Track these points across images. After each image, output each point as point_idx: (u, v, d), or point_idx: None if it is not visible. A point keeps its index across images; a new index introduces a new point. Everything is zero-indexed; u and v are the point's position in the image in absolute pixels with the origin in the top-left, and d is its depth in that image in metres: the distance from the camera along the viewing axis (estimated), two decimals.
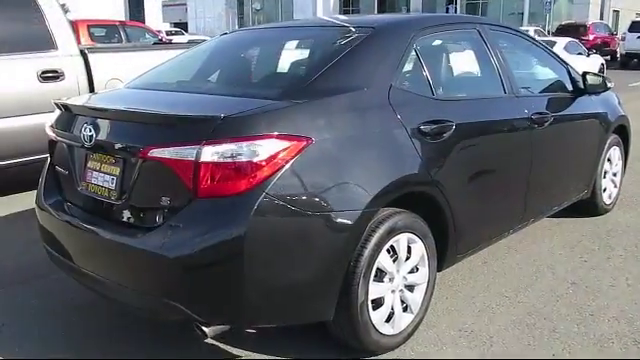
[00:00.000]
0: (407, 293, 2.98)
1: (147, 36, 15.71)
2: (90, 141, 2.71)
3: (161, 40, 16.24)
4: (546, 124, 3.85)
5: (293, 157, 2.41)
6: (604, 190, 4.97)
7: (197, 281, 2.39)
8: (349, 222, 2.55)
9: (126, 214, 2.63)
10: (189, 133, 2.39)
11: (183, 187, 2.39)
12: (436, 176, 2.97)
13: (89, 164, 2.83)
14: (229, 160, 2.33)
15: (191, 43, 6.92)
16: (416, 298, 3.03)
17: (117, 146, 2.63)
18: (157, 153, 2.44)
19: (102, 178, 2.75)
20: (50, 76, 5.40)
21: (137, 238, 2.51)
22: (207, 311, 2.43)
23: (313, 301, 2.56)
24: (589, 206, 4.88)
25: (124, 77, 5.79)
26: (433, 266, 3.11)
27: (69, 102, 3.04)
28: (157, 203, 2.48)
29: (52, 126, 3.09)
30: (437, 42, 3.44)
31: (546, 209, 4.21)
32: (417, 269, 3.01)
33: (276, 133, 2.41)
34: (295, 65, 3.20)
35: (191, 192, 2.38)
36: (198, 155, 2.34)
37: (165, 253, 2.39)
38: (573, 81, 4.41)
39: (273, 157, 2.37)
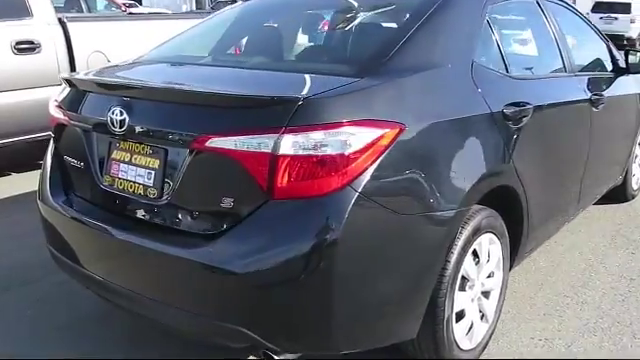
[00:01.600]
0: (483, 300, 2.61)
1: (110, 8, 14.69)
2: (121, 127, 2.19)
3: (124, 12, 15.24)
4: (600, 106, 3.52)
5: (387, 147, 1.97)
6: (633, 175, 4.72)
7: (272, 302, 1.94)
8: (444, 223, 2.15)
9: (171, 217, 2.14)
10: (263, 119, 1.92)
11: (254, 186, 1.92)
12: (517, 166, 2.58)
13: (115, 154, 2.32)
14: (315, 152, 1.88)
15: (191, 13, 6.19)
16: (491, 305, 2.67)
17: (159, 134, 2.13)
18: (218, 143, 1.96)
19: (134, 172, 2.25)
20: (25, 47, 4.74)
21: (189, 247, 2.03)
22: (283, 337, 1.99)
23: (403, 317, 2.15)
24: (618, 192, 4.61)
25: (108, 50, 5.20)
26: (506, 268, 2.75)
27: (86, 77, 2.51)
28: (215, 205, 2.00)
29: (60, 106, 2.55)
30: (505, 13, 3.03)
31: (593, 197, 3.91)
32: (493, 273, 2.64)
33: (370, 118, 1.96)
34: (361, 35, 2.72)
35: (265, 192, 1.91)
36: (277, 146, 1.87)
37: (231, 268, 1.93)
38: (614, 59, 4.11)
39: (367, 148, 1.92)
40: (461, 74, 2.40)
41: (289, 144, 1.87)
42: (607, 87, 3.81)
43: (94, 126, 2.37)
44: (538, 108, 2.74)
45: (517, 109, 2.58)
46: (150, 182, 2.19)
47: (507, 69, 2.74)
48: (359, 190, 1.90)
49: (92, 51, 5.11)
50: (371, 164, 1.93)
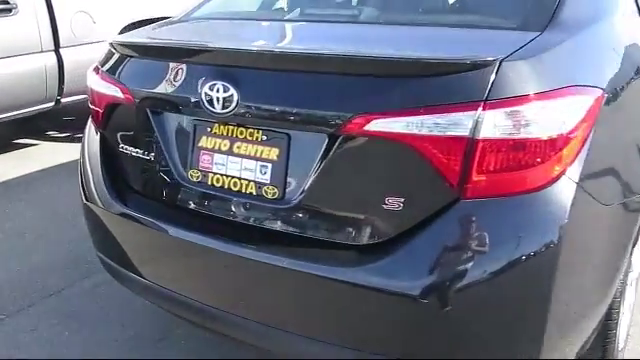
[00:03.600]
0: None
1: None
2: (225, 106, 1.64)
3: None
4: None
5: (594, 122, 1.51)
6: None
7: (462, 329, 1.48)
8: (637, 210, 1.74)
9: (302, 223, 1.63)
10: (452, 90, 1.42)
11: (437, 181, 1.44)
12: None
13: (204, 142, 1.78)
14: (526, 134, 1.40)
15: None
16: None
17: (282, 115, 1.60)
18: (383, 126, 1.45)
19: (238, 165, 1.72)
20: None
21: (336, 263, 1.54)
22: None
23: (591, 322, 1.73)
24: None
25: (94, 10, 4.49)
26: None
27: (156, 41, 1.93)
28: (375, 207, 1.51)
29: (113, 80, 1.96)
30: None
31: None
32: None
33: (576, 84, 1.49)
34: None
35: (454, 189, 1.43)
36: (476, 128, 1.39)
37: (412, 290, 1.45)
38: None
39: (580, 124, 1.46)
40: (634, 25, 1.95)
41: (491, 124, 1.39)
42: None
43: (173, 106, 1.81)
44: None
45: None
46: (265, 178, 1.67)
47: None
48: (576, 180, 1.45)
49: (76, 11, 4.39)
50: (582, 145, 1.48)
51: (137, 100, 1.88)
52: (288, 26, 2.04)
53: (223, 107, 1.65)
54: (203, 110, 1.70)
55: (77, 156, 4.67)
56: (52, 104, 4.46)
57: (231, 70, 1.65)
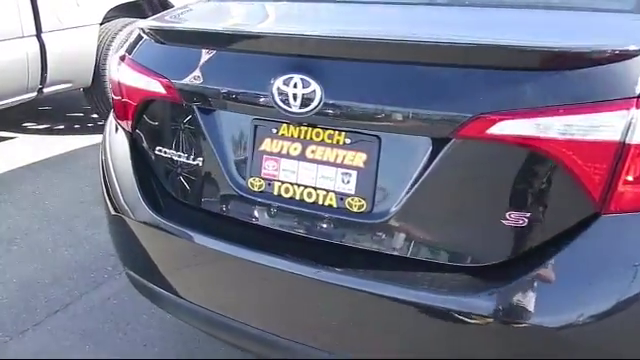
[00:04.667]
0: None
1: None
2: (305, 104, 1.38)
3: None
4: None
5: None
6: None
7: None
8: None
9: (397, 241, 1.39)
10: (592, 86, 1.19)
11: (572, 193, 1.22)
12: None
13: (268, 146, 1.52)
14: None
15: None
16: None
17: (373, 115, 1.35)
18: (509, 128, 1.22)
19: (314, 172, 1.46)
20: None
21: (444, 290, 1.31)
22: None
23: None
24: None
25: None
26: None
27: (198, 26, 1.64)
28: (492, 223, 1.29)
29: (150, 72, 1.67)
30: None
31: None
32: None
33: None
34: None
35: (595, 202, 1.21)
36: (628, 131, 1.17)
37: (544, 322, 1.24)
38: None
39: None
40: None
41: None
42: None
43: (228, 103, 1.54)
44: None
45: None
46: (349, 188, 1.42)
47: None
48: None
49: None
50: None
51: (182, 96, 1.61)
52: (371, 7, 1.75)
53: (302, 105, 1.39)
54: (273, 109, 1.44)
55: (61, 150, 4.46)
56: (34, 94, 4.09)
57: (313, 61, 1.39)
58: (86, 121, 5.08)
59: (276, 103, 1.42)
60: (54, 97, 4.58)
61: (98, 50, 4.35)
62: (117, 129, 1.89)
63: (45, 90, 4.15)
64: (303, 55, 1.41)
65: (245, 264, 1.53)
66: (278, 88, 1.41)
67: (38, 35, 3.95)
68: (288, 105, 1.40)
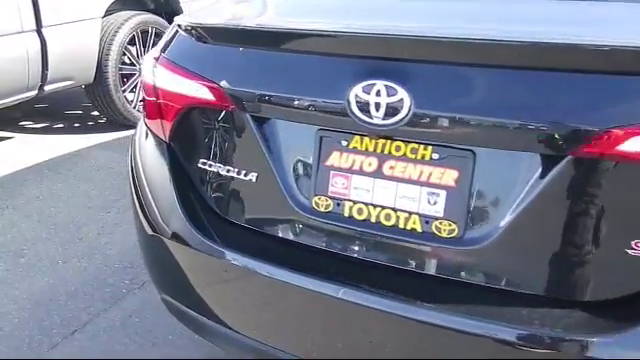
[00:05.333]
0: None
1: None
2: (391, 115, 1.20)
3: None
4: None
5: None
6: None
7: None
8: None
9: (495, 271, 1.21)
10: None
11: None
12: None
13: (334, 160, 1.33)
14: None
15: None
16: None
17: (472, 127, 1.17)
18: None
19: (392, 191, 1.28)
20: None
21: (559, 329, 1.14)
22: None
23: None
24: None
25: None
26: None
27: (252, 24, 1.44)
28: (610, 253, 1.11)
29: (195, 75, 1.47)
30: None
31: None
32: None
33: None
34: None
35: None
36: None
37: None
38: None
39: None
40: None
41: None
42: None
43: (289, 111, 1.35)
44: None
45: None
46: (436, 210, 1.24)
47: None
48: None
49: None
50: None
51: (234, 103, 1.41)
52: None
53: (386, 116, 1.20)
54: (345, 118, 1.25)
55: (63, 150, 4.22)
56: (35, 92, 3.85)
57: (399, 65, 1.20)
58: (87, 119, 4.85)
59: (352, 113, 1.23)
60: (51, 94, 4.35)
61: (100, 45, 4.12)
62: (150, 139, 1.69)
63: (46, 88, 3.92)
64: (387, 58, 1.22)
65: (307, 294, 1.35)
66: (356, 96, 1.22)
67: (38, 30, 3.72)
68: (368, 115, 1.22)
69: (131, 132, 4.30)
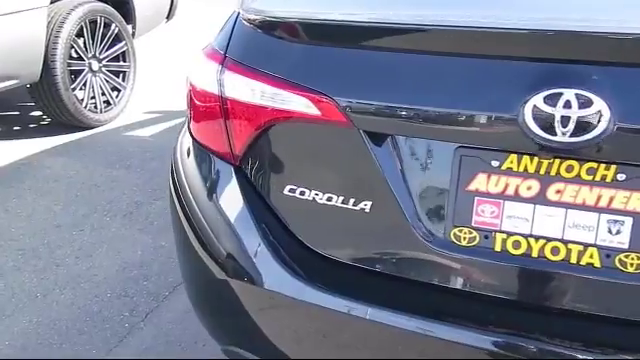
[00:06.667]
0: None
1: None
2: (585, 130, 0.97)
3: None
4: None
5: None
6: None
7: None
8: None
9: None
10: None
11: None
12: None
13: (480, 184, 1.09)
14: None
15: None
16: None
17: None
18: None
19: (561, 220, 1.06)
20: None
21: None
22: None
23: None
24: None
25: None
26: None
27: (368, 16, 1.15)
28: None
29: (288, 84, 1.18)
30: None
31: None
32: None
33: None
34: None
35: None
36: None
37: None
38: None
39: None
40: None
41: None
42: None
43: (423, 126, 1.10)
44: None
45: None
46: (619, 240, 1.03)
47: None
48: None
49: None
50: None
51: (348, 116, 1.13)
52: None
53: (577, 132, 0.97)
54: (511, 135, 1.02)
55: (9, 159, 3.69)
56: None
57: (595, 69, 0.97)
58: (27, 121, 4.30)
59: (527, 128, 1.00)
60: None
61: (46, 37, 3.64)
62: (202, 158, 1.39)
63: None
64: (580, 61, 0.99)
65: (451, 347, 1.12)
66: (534, 107, 0.99)
67: None
68: (550, 132, 0.99)
69: (85, 134, 4.00)
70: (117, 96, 4.23)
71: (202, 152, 1.40)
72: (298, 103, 1.17)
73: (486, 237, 1.11)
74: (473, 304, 1.14)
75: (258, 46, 1.25)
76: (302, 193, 1.24)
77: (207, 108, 1.33)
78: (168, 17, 4.90)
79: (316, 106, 1.15)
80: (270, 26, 1.22)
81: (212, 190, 1.36)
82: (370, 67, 1.14)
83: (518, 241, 1.10)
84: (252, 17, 1.25)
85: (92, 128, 4.05)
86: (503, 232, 1.10)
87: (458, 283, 1.16)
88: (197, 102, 1.37)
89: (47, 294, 2.41)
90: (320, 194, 1.22)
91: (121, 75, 4.27)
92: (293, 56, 1.20)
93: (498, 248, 1.11)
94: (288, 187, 1.25)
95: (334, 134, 1.18)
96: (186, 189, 1.41)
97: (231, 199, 1.32)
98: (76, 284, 2.47)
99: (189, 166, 1.43)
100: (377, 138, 1.15)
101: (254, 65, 1.23)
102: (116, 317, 2.28)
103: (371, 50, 1.14)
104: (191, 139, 1.44)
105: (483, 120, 1.05)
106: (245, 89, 1.24)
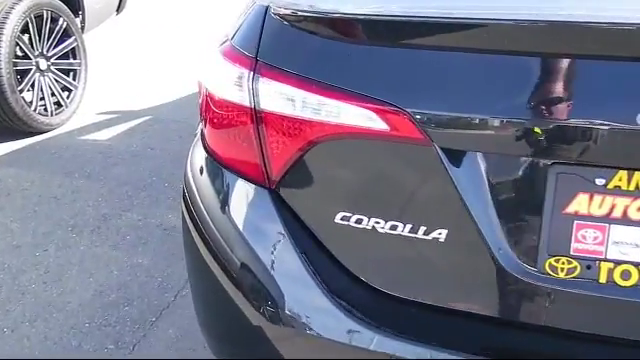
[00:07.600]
0: None
1: None
2: None
3: None
4: None
5: None
6: None
7: None
8: None
9: None
10: None
11: None
12: None
13: (579, 205, 0.93)
14: None
15: None
16: None
17: None
18: None
19: None
20: None
21: None
22: None
23: None
24: None
25: None
26: None
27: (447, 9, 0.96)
28: None
29: (348, 94, 0.98)
30: None
31: None
32: None
33: None
34: None
35: None
36: None
37: None
38: None
39: None
40: None
41: None
42: None
43: (509, 141, 0.92)
44: None
45: None
46: None
47: None
48: None
49: None
50: None
51: (425, 132, 0.95)
52: None
53: None
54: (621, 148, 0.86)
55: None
56: None
57: None
58: None
59: None
60: None
61: None
62: (222, 177, 1.18)
63: None
64: None
65: None
66: None
67: None
68: None
69: (36, 139, 3.64)
70: (68, 96, 3.89)
71: (222, 171, 1.18)
72: (357, 116, 0.98)
73: (589, 267, 0.95)
74: (576, 345, 0.98)
75: (301, 48, 1.04)
76: (358, 221, 1.04)
77: (232, 122, 1.12)
78: (118, 10, 4.56)
79: (382, 119, 0.96)
80: (316, 23, 1.02)
81: (245, 222, 1.15)
82: (449, 72, 0.95)
83: (628, 271, 0.94)
84: (290, 12, 1.04)
85: (43, 133, 3.70)
86: (609, 261, 0.95)
87: (556, 322, 0.99)
88: (218, 112, 1.15)
89: (15, 328, 2.13)
90: (382, 222, 1.03)
91: (72, 73, 3.93)
92: (350, 60, 0.99)
93: (603, 280, 0.95)
94: (340, 215, 1.05)
95: (402, 152, 0.99)
96: (204, 213, 1.19)
97: (269, 232, 1.11)
98: (48, 314, 2.20)
99: (206, 189, 1.22)
100: (455, 156, 0.97)
101: (297, 71, 1.02)
102: (99, 351, 2.03)
103: (450, 51, 0.95)
104: (206, 155, 1.22)
105: (589, 132, 0.89)
106: (287, 100, 1.03)
